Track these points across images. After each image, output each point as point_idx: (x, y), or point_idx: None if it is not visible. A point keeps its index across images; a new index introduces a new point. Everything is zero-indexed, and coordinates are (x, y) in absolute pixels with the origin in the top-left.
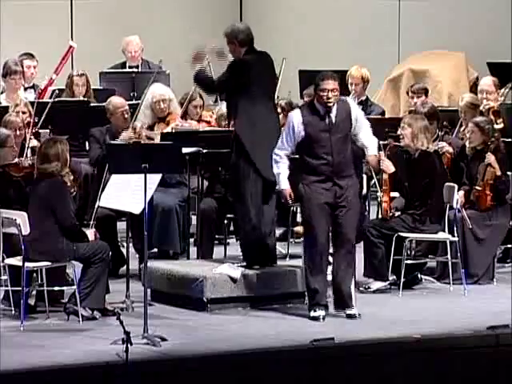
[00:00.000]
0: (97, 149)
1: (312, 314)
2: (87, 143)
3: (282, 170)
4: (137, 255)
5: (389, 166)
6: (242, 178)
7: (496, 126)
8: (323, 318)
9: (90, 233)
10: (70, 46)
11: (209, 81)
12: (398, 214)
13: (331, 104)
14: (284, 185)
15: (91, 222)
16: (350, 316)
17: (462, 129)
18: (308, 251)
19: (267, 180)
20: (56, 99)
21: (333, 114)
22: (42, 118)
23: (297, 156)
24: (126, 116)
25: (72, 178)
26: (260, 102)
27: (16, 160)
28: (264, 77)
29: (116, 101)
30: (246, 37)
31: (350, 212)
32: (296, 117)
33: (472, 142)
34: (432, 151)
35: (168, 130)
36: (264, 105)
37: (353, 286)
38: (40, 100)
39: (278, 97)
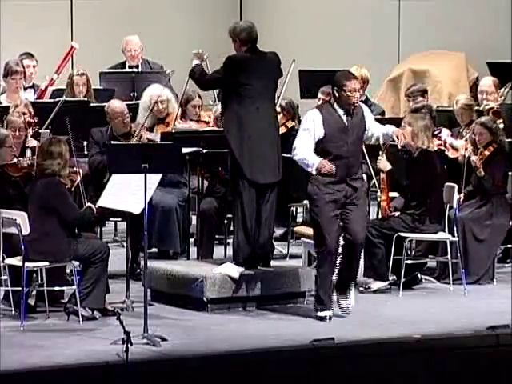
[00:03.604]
0: (96, 152)
1: (319, 313)
2: (86, 143)
3: (306, 154)
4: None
5: (385, 164)
6: (234, 178)
7: None
8: (330, 319)
9: (90, 207)
10: (72, 47)
11: (201, 76)
12: (397, 214)
13: (358, 104)
14: (315, 160)
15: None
16: (341, 308)
17: (460, 130)
18: (317, 253)
19: (256, 182)
20: (57, 99)
21: (351, 115)
22: (49, 119)
23: None
24: (126, 121)
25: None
26: (251, 102)
27: (15, 160)
28: (259, 77)
29: (115, 105)
30: (247, 35)
31: (359, 212)
32: (315, 116)
33: (481, 143)
34: (432, 150)
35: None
36: (255, 105)
37: (352, 288)
38: (45, 100)
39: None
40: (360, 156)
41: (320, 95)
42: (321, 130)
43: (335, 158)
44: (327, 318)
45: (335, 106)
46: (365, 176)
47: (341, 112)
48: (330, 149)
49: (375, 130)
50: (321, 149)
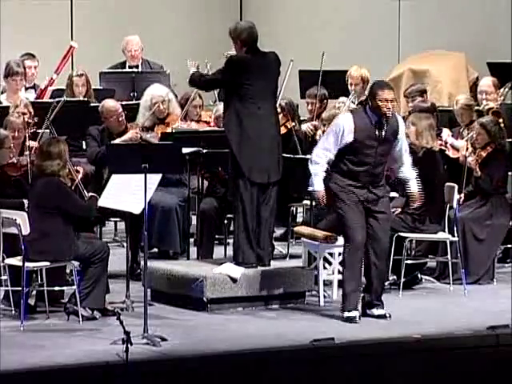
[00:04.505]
0: (95, 146)
1: (346, 314)
2: (84, 142)
3: (319, 171)
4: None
5: None
6: (235, 178)
7: None
8: (359, 318)
9: (93, 196)
10: (71, 46)
11: (201, 78)
12: (397, 212)
13: (390, 114)
14: (318, 186)
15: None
16: (379, 316)
17: (460, 130)
18: (344, 250)
19: (255, 182)
20: (57, 99)
21: (384, 125)
22: (49, 119)
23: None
24: (121, 119)
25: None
26: (252, 102)
27: (14, 160)
28: (260, 77)
29: (109, 105)
30: (248, 36)
31: (385, 218)
32: (347, 121)
33: (479, 144)
34: (436, 150)
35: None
36: (256, 105)
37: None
38: (45, 100)
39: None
40: (385, 166)
41: (307, 99)
42: (350, 135)
43: (360, 164)
44: (356, 318)
45: (369, 113)
46: None
47: (373, 120)
48: (357, 155)
49: (403, 167)
50: (347, 153)
